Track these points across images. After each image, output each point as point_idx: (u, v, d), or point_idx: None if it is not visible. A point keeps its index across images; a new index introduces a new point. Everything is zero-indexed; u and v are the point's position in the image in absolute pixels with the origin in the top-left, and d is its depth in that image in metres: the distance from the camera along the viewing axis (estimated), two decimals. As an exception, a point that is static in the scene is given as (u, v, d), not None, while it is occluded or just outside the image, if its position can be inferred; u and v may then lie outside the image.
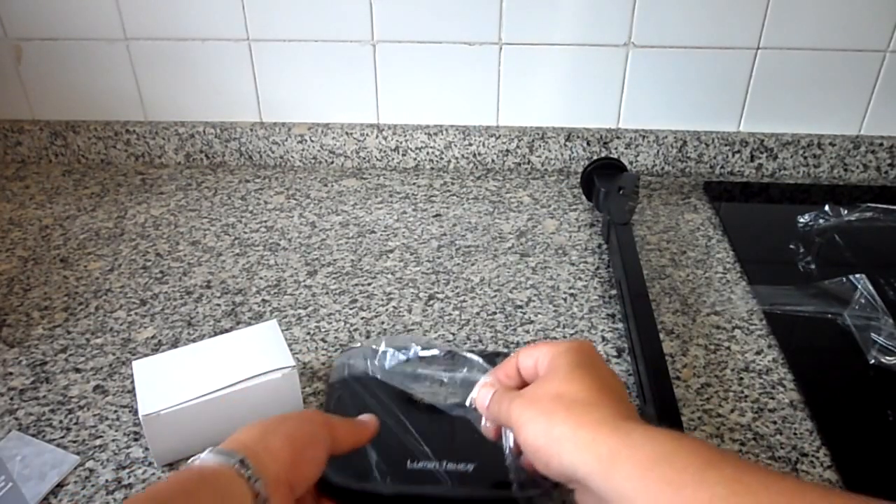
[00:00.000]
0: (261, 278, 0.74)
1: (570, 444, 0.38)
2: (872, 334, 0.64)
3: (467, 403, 0.49)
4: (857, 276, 0.70)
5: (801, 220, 0.82)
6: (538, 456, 0.40)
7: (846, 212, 0.82)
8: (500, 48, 0.87)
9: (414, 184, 0.91)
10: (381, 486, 0.47)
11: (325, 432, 0.44)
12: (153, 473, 0.53)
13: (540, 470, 0.41)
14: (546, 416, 0.40)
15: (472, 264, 0.76)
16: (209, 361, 0.55)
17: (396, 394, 0.54)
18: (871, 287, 0.69)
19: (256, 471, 0.39)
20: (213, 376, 0.53)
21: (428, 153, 0.94)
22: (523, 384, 0.46)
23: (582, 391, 0.40)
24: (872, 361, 0.62)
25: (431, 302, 0.70)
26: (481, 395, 0.47)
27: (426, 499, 0.48)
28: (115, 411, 0.59)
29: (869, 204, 0.83)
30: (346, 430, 0.46)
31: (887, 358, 0.62)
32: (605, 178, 0.82)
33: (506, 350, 0.64)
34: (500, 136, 0.92)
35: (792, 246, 0.79)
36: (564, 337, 0.66)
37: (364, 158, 0.95)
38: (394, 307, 0.70)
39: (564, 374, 0.42)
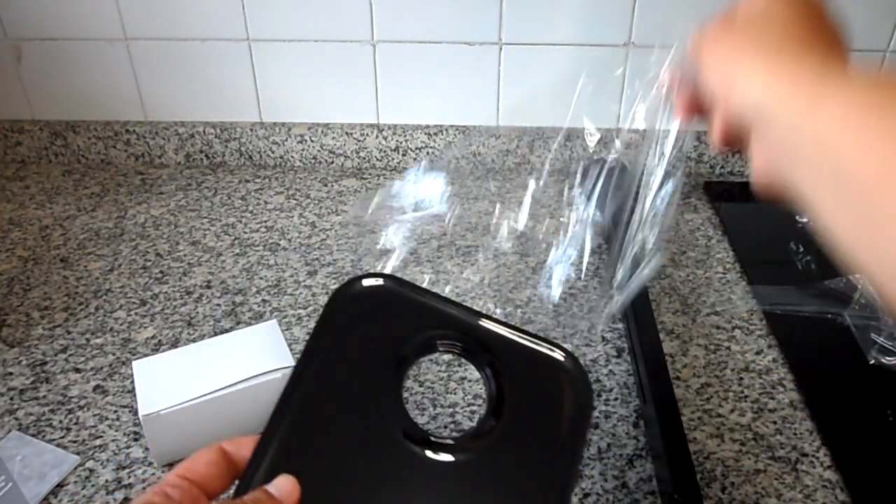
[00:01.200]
0: (261, 278, 0.74)
1: (760, 74, 0.33)
2: (872, 334, 0.64)
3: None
4: (857, 276, 0.70)
5: (802, 219, 0.82)
6: (720, 83, 0.35)
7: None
8: (500, 48, 0.87)
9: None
10: None
11: None
12: (153, 473, 0.53)
13: (716, 102, 0.35)
14: (734, 44, 0.35)
15: (472, 264, 0.76)
16: (209, 361, 0.55)
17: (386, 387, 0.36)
18: (870, 287, 0.69)
19: None
20: (213, 376, 0.53)
21: (428, 153, 0.94)
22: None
23: (772, 39, 0.35)
24: (872, 361, 0.62)
25: (431, 302, 0.70)
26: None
27: None
28: (115, 411, 0.59)
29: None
30: None
31: (887, 358, 0.62)
32: (605, 178, 0.82)
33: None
34: (500, 136, 0.92)
35: (792, 246, 0.79)
36: (564, 338, 0.66)
37: (364, 158, 0.95)
38: (394, 307, 0.70)
39: (758, 20, 0.37)
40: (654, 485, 0.52)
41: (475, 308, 0.38)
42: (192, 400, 0.52)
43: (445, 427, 0.57)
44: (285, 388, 0.36)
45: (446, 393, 0.60)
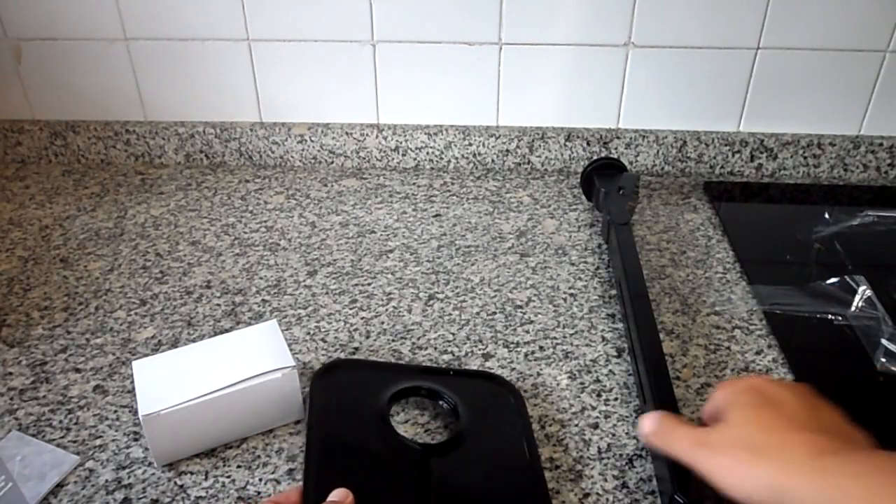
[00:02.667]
0: (261, 278, 0.74)
1: (764, 493, 0.37)
2: (872, 335, 0.64)
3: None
4: (857, 276, 0.70)
5: (802, 222, 0.82)
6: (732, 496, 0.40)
7: (846, 216, 0.82)
8: (500, 48, 0.87)
9: (414, 184, 0.91)
10: None
11: None
12: (153, 473, 0.53)
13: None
14: (732, 465, 0.39)
15: (472, 264, 0.76)
16: (209, 361, 0.55)
17: (378, 427, 0.53)
18: (871, 288, 0.69)
19: None
20: (213, 376, 0.53)
21: (428, 153, 0.94)
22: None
23: (760, 433, 0.40)
24: (879, 367, 0.62)
25: (431, 302, 0.70)
26: (646, 422, 0.46)
27: None
28: (115, 411, 0.59)
29: (868, 211, 0.83)
30: None
31: (887, 358, 0.62)
32: (605, 178, 0.82)
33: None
34: (500, 136, 0.92)
35: (792, 246, 0.79)
36: (564, 337, 0.66)
37: (364, 158, 0.95)
38: (394, 307, 0.70)
39: (741, 418, 0.41)
40: (653, 485, 0.52)
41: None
42: (192, 400, 0.52)
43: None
44: (306, 447, 0.50)
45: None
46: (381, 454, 0.51)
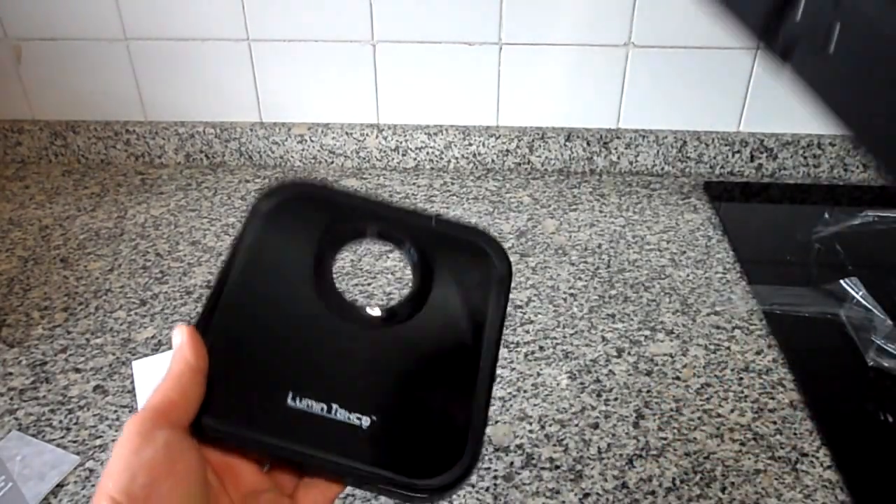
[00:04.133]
0: (261, 278, 0.74)
1: None
2: (871, 335, 0.64)
3: None
4: (856, 277, 0.70)
5: (802, 222, 0.82)
6: None
7: (846, 216, 0.82)
8: (500, 48, 0.87)
9: (414, 184, 0.91)
10: (248, 431, 0.34)
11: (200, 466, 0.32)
12: (153, 473, 0.53)
13: None
14: None
15: (472, 264, 0.76)
16: None
17: (311, 277, 0.39)
18: (870, 288, 0.69)
19: None
20: None
21: (428, 153, 0.94)
22: None
23: None
24: (871, 363, 0.62)
25: (431, 302, 0.70)
26: None
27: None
28: (115, 411, 0.59)
29: (868, 211, 0.83)
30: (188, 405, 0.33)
31: (886, 358, 0.62)
32: None
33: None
34: (500, 136, 0.92)
35: (792, 246, 0.79)
36: (564, 337, 0.66)
37: (364, 158, 0.95)
38: (394, 307, 0.70)
39: None
40: (653, 485, 0.52)
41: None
42: None
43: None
44: (222, 268, 0.37)
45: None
46: (300, 318, 0.37)
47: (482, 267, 0.43)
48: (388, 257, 0.77)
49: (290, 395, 0.35)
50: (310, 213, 0.40)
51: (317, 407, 0.35)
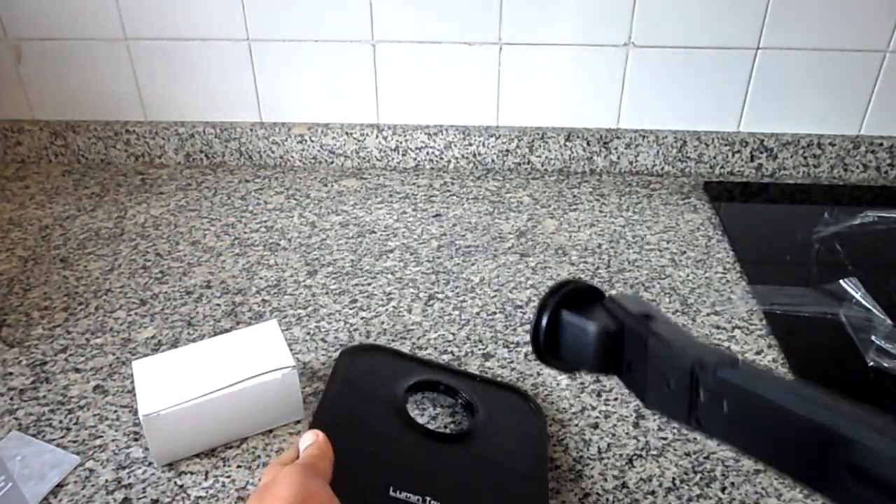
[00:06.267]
0: (261, 278, 0.74)
1: None
2: (871, 335, 0.64)
3: None
4: (856, 277, 0.70)
5: (802, 222, 0.82)
6: None
7: (846, 216, 0.82)
8: (500, 48, 0.87)
9: (414, 184, 0.91)
10: None
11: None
12: (153, 473, 0.53)
13: None
14: None
15: (472, 264, 0.76)
16: (209, 361, 0.55)
17: (395, 409, 0.53)
18: (869, 288, 0.69)
19: None
20: (213, 376, 0.53)
21: (428, 153, 0.94)
22: None
23: None
24: (871, 363, 0.62)
25: (431, 302, 0.70)
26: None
27: None
28: (115, 411, 0.59)
29: (868, 211, 0.83)
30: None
31: (886, 358, 0.62)
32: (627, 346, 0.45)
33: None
34: (500, 136, 0.92)
35: (792, 246, 0.79)
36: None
37: (364, 158, 0.95)
38: (394, 307, 0.70)
39: None
40: (653, 485, 0.52)
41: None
42: (191, 400, 0.52)
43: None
44: (315, 414, 0.52)
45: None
46: (390, 437, 0.51)
47: (521, 406, 0.58)
48: (387, 257, 0.77)
49: (392, 488, 0.46)
50: (391, 365, 0.59)
51: (414, 498, 0.46)
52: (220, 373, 0.54)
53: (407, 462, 0.49)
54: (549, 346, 0.44)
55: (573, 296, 0.43)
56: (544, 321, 0.43)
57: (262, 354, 0.55)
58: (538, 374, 0.62)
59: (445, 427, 0.56)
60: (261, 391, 0.54)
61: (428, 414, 0.58)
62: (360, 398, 0.53)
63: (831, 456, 0.30)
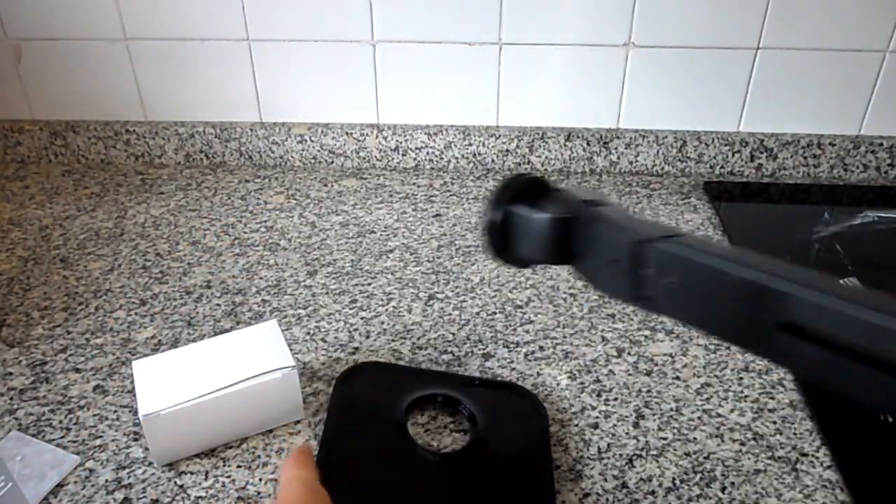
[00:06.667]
0: (261, 278, 0.74)
1: None
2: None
3: None
4: (855, 277, 0.70)
5: (802, 222, 0.82)
6: None
7: (846, 216, 0.82)
8: (500, 48, 0.87)
9: (414, 184, 0.91)
10: None
11: None
12: (153, 473, 0.53)
13: None
14: None
15: (472, 264, 0.76)
16: (209, 361, 0.55)
17: (397, 431, 0.54)
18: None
19: None
20: (213, 376, 0.53)
21: (428, 153, 0.94)
22: None
23: None
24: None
25: (431, 302, 0.70)
26: None
27: None
28: (115, 411, 0.59)
29: (868, 211, 0.83)
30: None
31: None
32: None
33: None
34: (500, 136, 0.92)
35: (792, 246, 0.79)
36: (564, 337, 0.66)
37: (364, 158, 0.95)
38: (394, 307, 0.70)
39: None
40: (653, 484, 0.52)
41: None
42: (191, 400, 0.52)
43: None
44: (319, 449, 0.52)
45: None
46: (396, 461, 0.52)
47: (521, 406, 0.57)
48: (387, 257, 0.77)
49: None
50: (388, 382, 0.59)
51: None
52: (220, 373, 0.54)
53: (415, 487, 0.50)
54: (504, 241, 0.44)
55: (524, 189, 0.44)
56: (498, 217, 0.43)
57: (262, 354, 0.55)
58: (538, 374, 0.62)
59: (450, 434, 0.56)
60: (261, 391, 0.54)
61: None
62: (360, 428, 0.54)
63: (769, 313, 0.30)
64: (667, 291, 0.35)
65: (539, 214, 0.42)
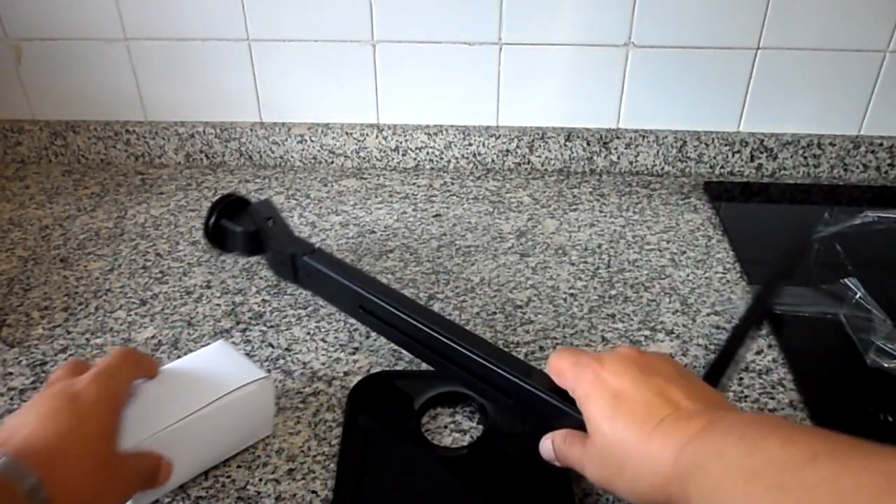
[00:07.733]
0: (261, 278, 0.74)
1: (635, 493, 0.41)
2: (871, 336, 0.64)
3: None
4: (855, 277, 0.70)
5: (802, 222, 0.82)
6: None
7: (846, 216, 0.82)
8: (500, 48, 0.87)
9: (414, 184, 0.91)
10: None
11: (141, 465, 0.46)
12: (153, 473, 0.53)
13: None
14: (604, 472, 0.43)
15: (472, 264, 0.76)
16: (174, 388, 0.51)
17: (412, 439, 0.55)
18: (869, 289, 0.69)
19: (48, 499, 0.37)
20: (185, 401, 0.50)
21: (428, 153, 0.94)
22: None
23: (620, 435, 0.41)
24: (871, 364, 0.62)
25: (431, 302, 0.70)
26: (545, 448, 0.49)
27: None
28: (115, 411, 0.59)
29: (868, 211, 0.82)
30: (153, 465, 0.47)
31: (886, 359, 0.62)
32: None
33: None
34: (500, 136, 0.92)
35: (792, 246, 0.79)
36: (564, 337, 0.66)
37: (364, 158, 0.95)
38: (394, 307, 0.70)
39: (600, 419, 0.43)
40: (653, 485, 0.52)
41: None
42: (171, 425, 0.48)
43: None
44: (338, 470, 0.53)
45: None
46: (416, 466, 0.52)
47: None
48: (387, 257, 0.77)
49: None
50: (392, 395, 0.60)
51: None
52: (191, 397, 0.50)
53: (439, 487, 0.51)
54: (220, 241, 0.73)
55: (230, 205, 0.71)
56: (211, 225, 0.71)
57: (227, 372, 0.52)
58: (538, 374, 0.62)
59: (466, 428, 0.56)
60: (237, 406, 0.51)
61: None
62: (376, 442, 0.55)
63: (354, 298, 0.60)
64: (309, 280, 0.65)
65: (237, 227, 0.70)
